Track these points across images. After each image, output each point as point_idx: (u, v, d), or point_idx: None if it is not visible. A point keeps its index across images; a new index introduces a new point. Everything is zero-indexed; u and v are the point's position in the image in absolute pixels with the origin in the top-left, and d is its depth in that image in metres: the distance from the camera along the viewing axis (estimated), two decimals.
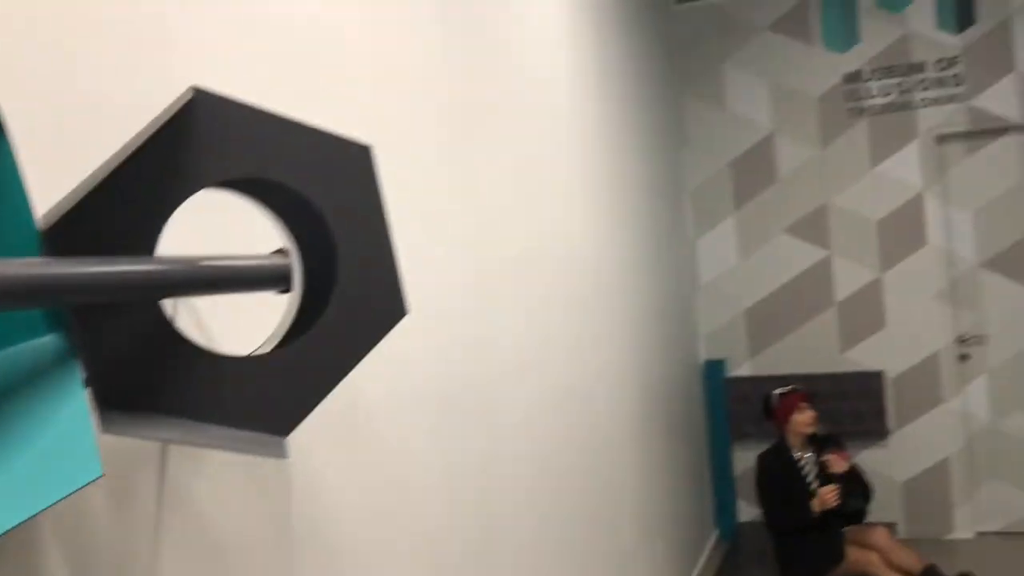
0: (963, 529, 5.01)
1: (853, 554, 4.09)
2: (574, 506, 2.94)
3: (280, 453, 1.15)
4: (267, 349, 1.21)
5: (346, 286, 1.22)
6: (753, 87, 5.28)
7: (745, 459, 5.27)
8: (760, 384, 5.16)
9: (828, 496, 4.06)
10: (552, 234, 2.98)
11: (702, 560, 4.80)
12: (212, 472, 1.32)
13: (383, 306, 1.26)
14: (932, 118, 4.97)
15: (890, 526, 5.06)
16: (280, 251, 1.28)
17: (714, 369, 5.28)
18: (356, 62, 1.80)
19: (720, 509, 5.26)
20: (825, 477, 4.24)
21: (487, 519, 2.25)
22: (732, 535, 5.21)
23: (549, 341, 2.86)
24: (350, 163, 1.23)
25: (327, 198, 1.20)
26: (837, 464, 4.22)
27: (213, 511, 1.31)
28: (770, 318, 5.28)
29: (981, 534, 5.02)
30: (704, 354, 5.40)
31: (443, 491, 2.03)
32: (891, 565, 4.01)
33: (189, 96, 1.05)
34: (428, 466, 1.97)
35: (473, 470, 2.19)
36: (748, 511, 5.30)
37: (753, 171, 5.29)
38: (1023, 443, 4.94)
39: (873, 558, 4.03)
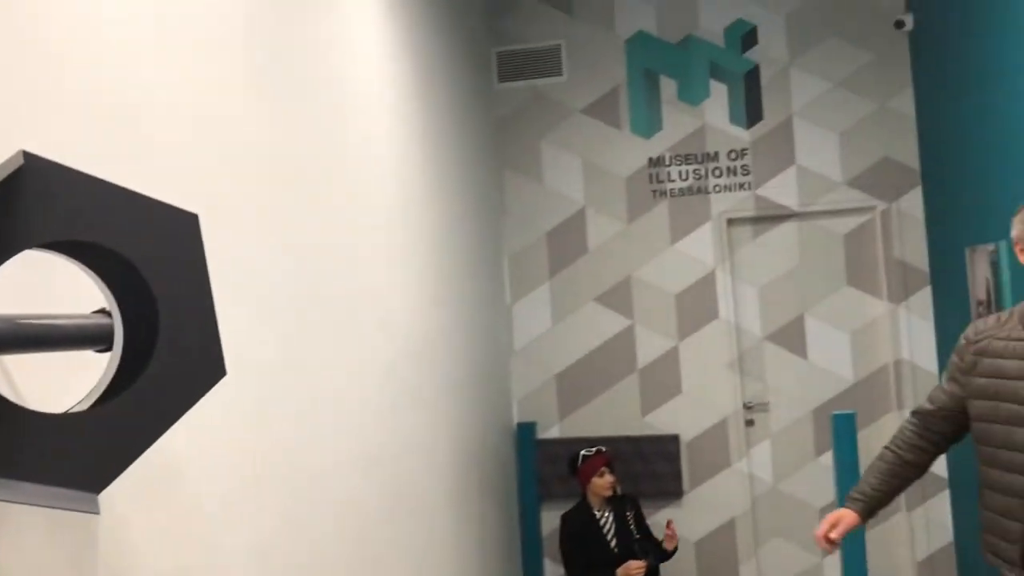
0: None
1: None
2: (383, 568, 2.99)
3: (92, 509, 1.18)
4: (84, 406, 1.23)
5: (166, 348, 1.27)
6: (567, 164, 5.62)
7: (552, 519, 5.46)
8: (569, 445, 5.39)
9: (633, 572, 4.30)
10: (372, 298, 3.07)
11: None
12: (12, 532, 1.31)
13: (202, 368, 1.32)
14: (724, 203, 5.46)
15: None
16: (101, 311, 1.32)
17: (526, 432, 5.47)
18: (176, 126, 1.85)
19: (527, 568, 5.40)
20: (625, 536, 4.48)
21: None
22: None
23: (366, 404, 2.93)
24: (176, 230, 1.29)
25: (151, 263, 1.26)
26: (670, 541, 4.47)
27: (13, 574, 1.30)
28: (579, 382, 5.56)
29: None
30: (517, 417, 5.59)
31: (253, 552, 2.04)
32: None
33: (19, 161, 1.09)
34: (238, 528, 1.98)
35: (284, 534, 2.22)
36: (554, 570, 5.48)
37: (567, 242, 5.60)
38: (800, 503, 5.41)
39: None
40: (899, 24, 5.23)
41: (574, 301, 5.58)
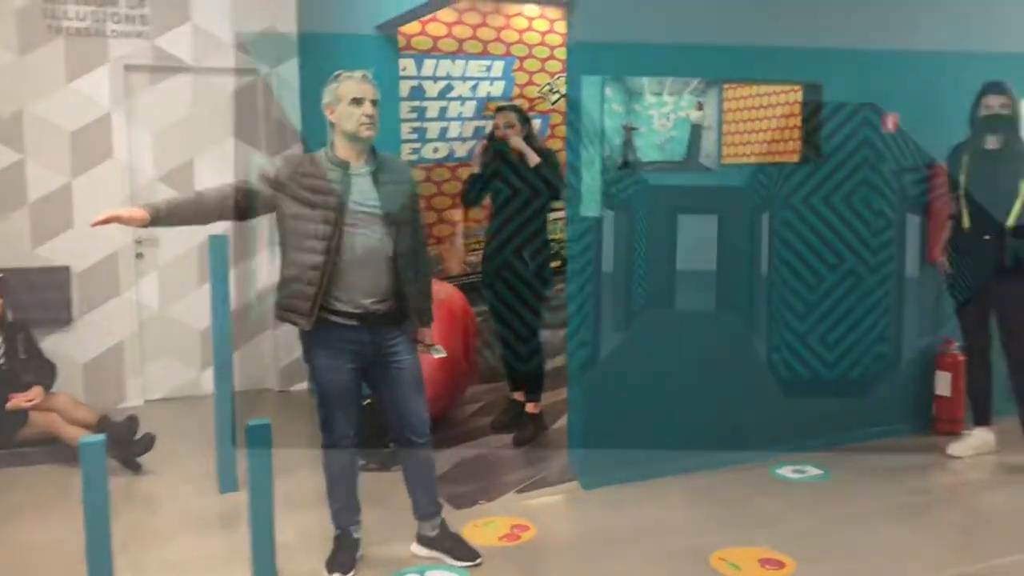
0: (134, 399, 6.02)
1: (35, 417, 4.71)
2: None
3: None
4: None
5: None
6: None
7: None
8: None
9: (24, 404, 4.64)
10: None
11: None
12: None
13: None
14: (122, 48, 5.75)
15: None
16: None
17: None
18: None
19: None
20: (13, 357, 4.77)
21: None
22: None
23: None
24: None
25: None
26: None
27: None
28: None
29: (149, 401, 6.09)
30: None
31: None
32: (72, 421, 4.74)
33: None
34: None
35: None
36: None
37: None
38: (183, 326, 6.14)
39: (54, 417, 4.71)
40: None
41: None
